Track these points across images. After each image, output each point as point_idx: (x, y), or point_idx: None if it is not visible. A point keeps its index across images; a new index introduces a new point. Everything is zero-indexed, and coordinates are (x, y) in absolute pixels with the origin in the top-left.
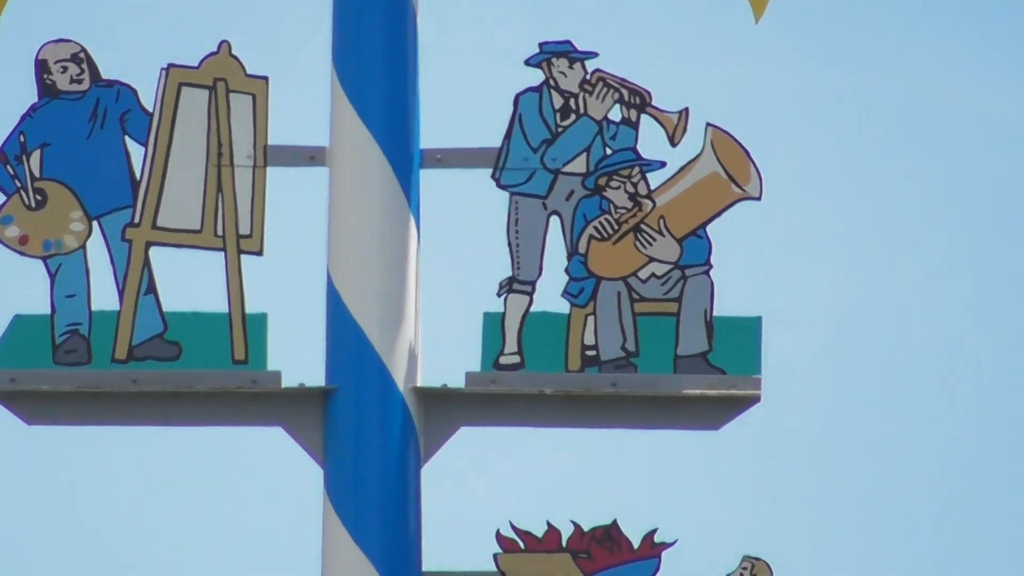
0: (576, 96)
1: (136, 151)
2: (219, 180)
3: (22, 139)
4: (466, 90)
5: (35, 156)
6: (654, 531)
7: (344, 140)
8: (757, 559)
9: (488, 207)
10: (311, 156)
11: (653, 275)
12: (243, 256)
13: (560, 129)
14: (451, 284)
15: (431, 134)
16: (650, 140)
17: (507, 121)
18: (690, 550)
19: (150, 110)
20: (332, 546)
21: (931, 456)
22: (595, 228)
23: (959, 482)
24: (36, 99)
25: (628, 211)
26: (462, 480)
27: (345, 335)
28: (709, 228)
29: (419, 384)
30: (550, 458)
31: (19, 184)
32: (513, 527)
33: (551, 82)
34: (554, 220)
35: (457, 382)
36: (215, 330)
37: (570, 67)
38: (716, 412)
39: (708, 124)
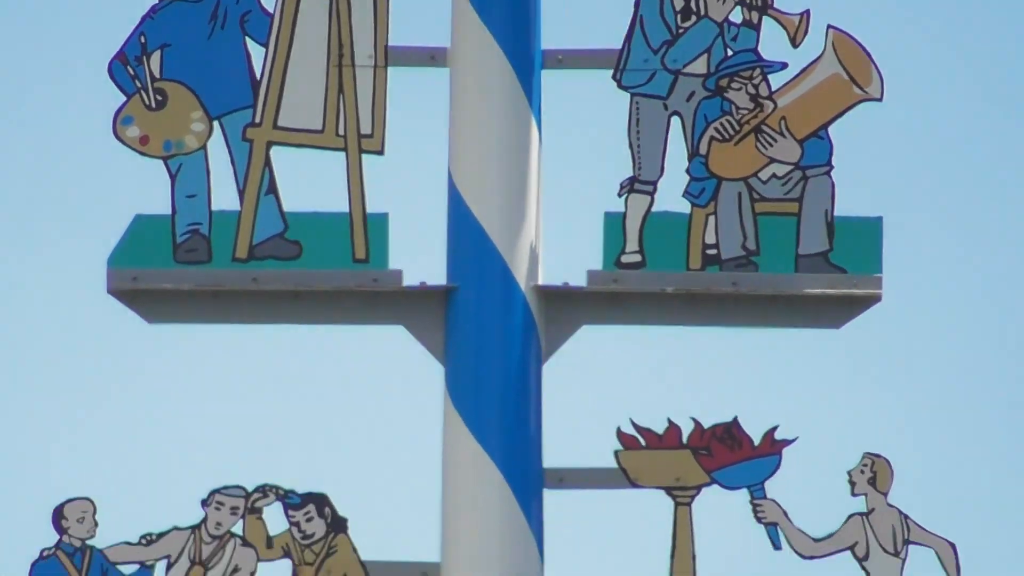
0: None
1: (256, 52)
2: (340, 80)
3: (142, 40)
4: None
5: (155, 57)
6: (775, 429)
7: (465, 41)
8: (877, 456)
9: (609, 108)
10: (432, 56)
11: (774, 176)
12: (364, 156)
13: (681, 31)
14: (572, 184)
15: (552, 35)
16: (771, 42)
17: (628, 23)
18: (810, 448)
19: (270, 11)
20: (453, 444)
21: None
22: (716, 129)
23: None
24: (156, 0)
25: (749, 112)
26: (583, 378)
27: (466, 234)
28: (830, 129)
29: (540, 283)
30: (671, 356)
31: (139, 85)
32: (634, 424)
33: None
34: (675, 121)
35: (578, 281)
36: (336, 230)
37: None
38: (836, 311)
39: (829, 26)
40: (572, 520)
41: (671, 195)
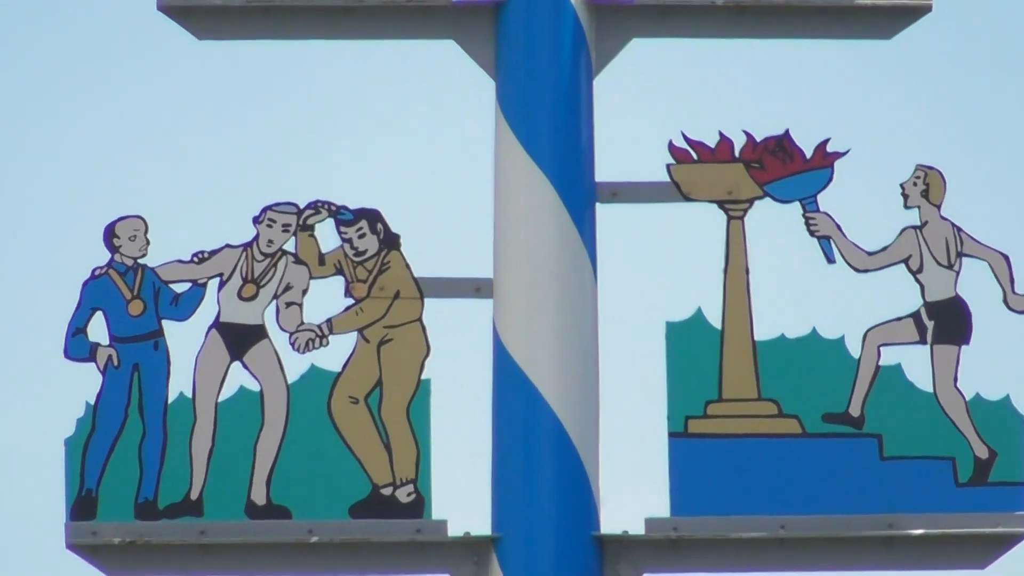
0: None
1: None
2: None
3: None
4: None
5: None
6: (827, 141)
7: None
8: (930, 168)
9: None
10: None
11: None
12: None
13: None
14: None
15: None
16: None
17: None
18: (863, 160)
19: None
20: (505, 158)
21: None
22: None
23: None
24: None
25: None
26: (634, 93)
27: None
28: None
29: None
30: (721, 70)
31: None
32: (686, 138)
33: None
34: None
35: None
36: None
37: None
38: (887, 22)
39: None
40: (625, 235)
41: None
